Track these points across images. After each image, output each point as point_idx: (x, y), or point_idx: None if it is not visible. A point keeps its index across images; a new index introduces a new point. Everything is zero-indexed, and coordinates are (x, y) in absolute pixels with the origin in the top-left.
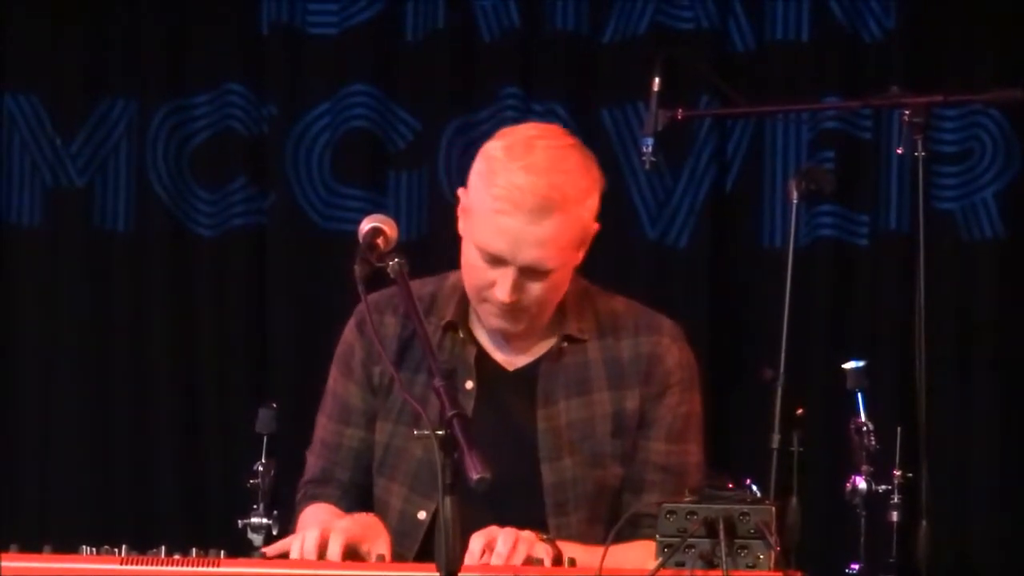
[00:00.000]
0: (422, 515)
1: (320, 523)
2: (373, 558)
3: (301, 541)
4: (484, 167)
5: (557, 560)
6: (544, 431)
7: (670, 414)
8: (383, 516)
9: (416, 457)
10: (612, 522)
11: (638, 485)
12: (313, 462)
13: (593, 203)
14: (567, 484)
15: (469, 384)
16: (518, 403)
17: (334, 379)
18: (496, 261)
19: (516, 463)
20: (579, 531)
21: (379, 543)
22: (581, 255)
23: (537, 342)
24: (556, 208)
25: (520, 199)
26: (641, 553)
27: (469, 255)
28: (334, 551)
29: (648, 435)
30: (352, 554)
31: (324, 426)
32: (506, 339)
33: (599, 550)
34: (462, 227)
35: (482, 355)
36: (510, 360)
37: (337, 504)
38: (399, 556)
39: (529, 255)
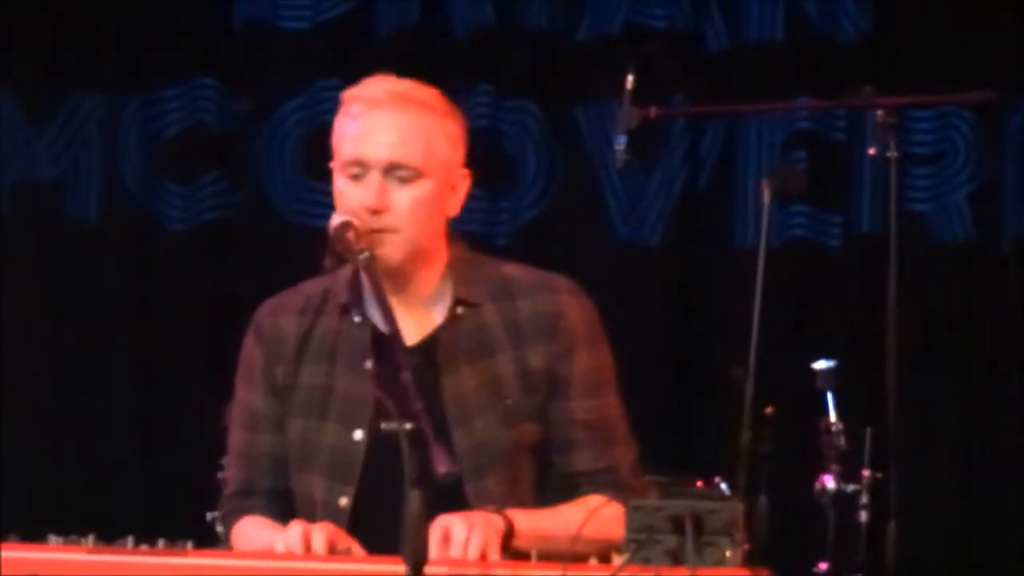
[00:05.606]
0: (343, 501)
1: (297, 521)
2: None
3: (284, 538)
4: (340, 106)
5: (509, 531)
6: (451, 397)
7: (582, 371)
8: (309, 513)
9: (329, 446)
10: (538, 485)
11: (566, 446)
12: (233, 474)
13: (455, 132)
14: (481, 446)
15: (368, 364)
16: (421, 375)
17: (239, 389)
18: (360, 169)
19: None
20: (499, 494)
21: (351, 541)
22: (453, 199)
23: (429, 314)
24: (413, 105)
25: (372, 95)
26: (584, 513)
27: (337, 189)
28: (318, 543)
29: (566, 395)
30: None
31: (237, 437)
32: (397, 311)
33: (546, 514)
34: (335, 181)
35: (378, 335)
36: (407, 335)
37: (265, 514)
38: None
39: (389, 148)
